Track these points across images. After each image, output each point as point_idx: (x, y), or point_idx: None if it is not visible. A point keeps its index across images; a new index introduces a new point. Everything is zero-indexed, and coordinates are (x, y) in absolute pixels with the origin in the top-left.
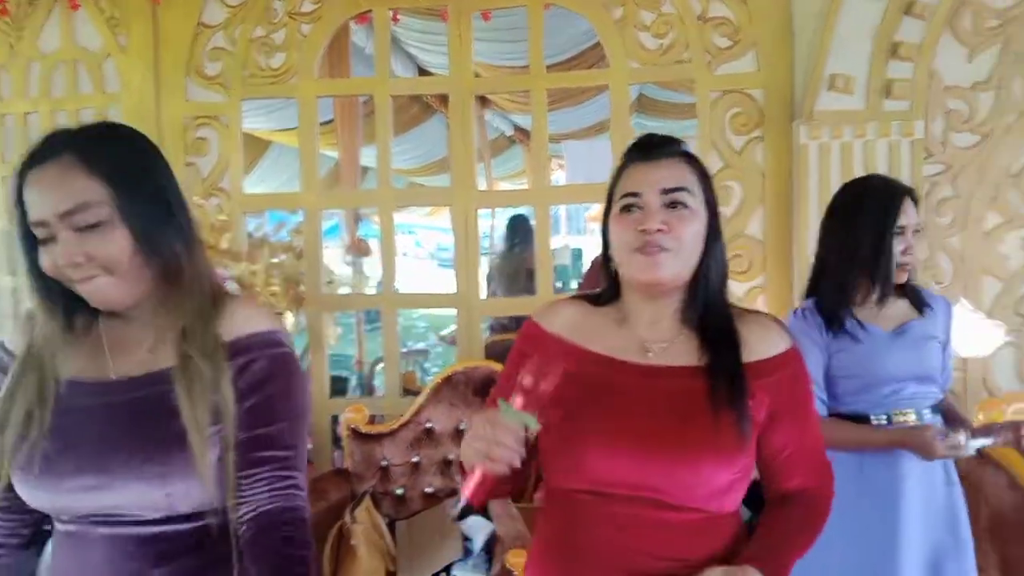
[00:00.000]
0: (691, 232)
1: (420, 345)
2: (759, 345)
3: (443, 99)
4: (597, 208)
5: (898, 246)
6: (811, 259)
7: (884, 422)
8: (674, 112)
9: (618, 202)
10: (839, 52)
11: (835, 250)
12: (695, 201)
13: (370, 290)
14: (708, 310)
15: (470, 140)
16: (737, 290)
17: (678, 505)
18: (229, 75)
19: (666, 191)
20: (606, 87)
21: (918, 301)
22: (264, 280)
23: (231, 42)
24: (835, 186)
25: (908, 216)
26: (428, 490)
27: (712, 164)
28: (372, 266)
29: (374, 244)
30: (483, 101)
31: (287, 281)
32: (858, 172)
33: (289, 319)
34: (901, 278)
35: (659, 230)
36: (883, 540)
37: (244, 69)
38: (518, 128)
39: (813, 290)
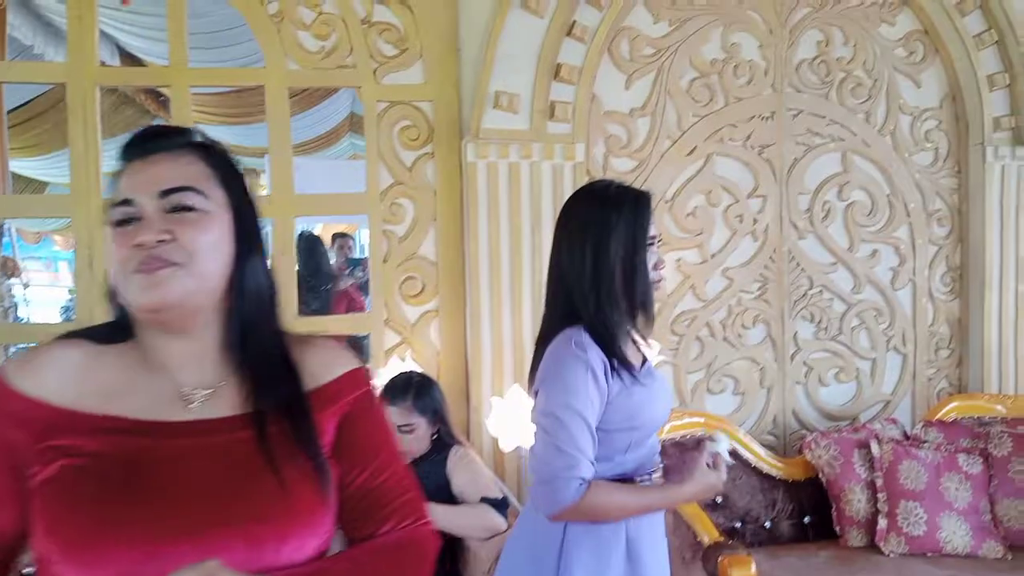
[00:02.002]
0: (205, 241)
1: None
2: (320, 370)
3: (157, 99)
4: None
5: (651, 260)
6: (487, 280)
7: (647, 482)
8: None
9: (110, 213)
10: (504, 69)
11: (590, 266)
12: (210, 203)
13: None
14: (249, 340)
15: (94, 138)
16: (410, 315)
17: None
18: None
19: (166, 192)
20: (321, 101)
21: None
22: None
23: None
24: (504, 207)
25: (653, 226)
26: None
27: (382, 180)
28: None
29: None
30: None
31: None
32: (526, 194)
33: None
34: (655, 297)
35: (160, 241)
36: None
37: None
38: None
39: (562, 318)
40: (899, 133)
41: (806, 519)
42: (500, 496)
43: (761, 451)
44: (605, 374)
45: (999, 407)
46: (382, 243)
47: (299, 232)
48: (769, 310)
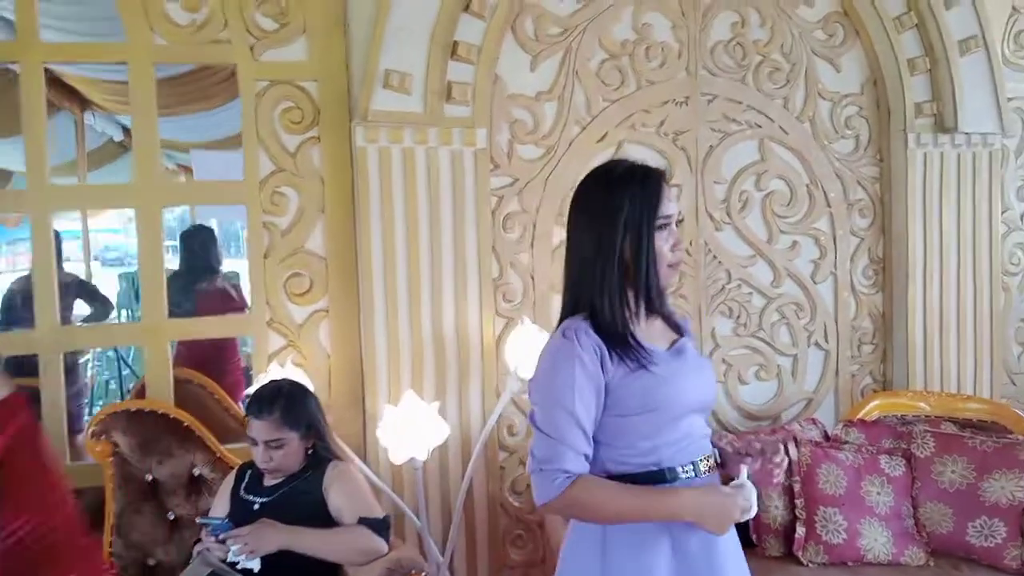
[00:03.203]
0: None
1: None
2: None
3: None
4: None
5: (665, 242)
6: (380, 277)
7: (691, 474)
8: None
9: None
10: (394, 45)
11: (592, 252)
12: None
13: None
14: None
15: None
16: (297, 315)
17: None
18: None
19: None
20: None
21: (670, 320)
22: None
23: None
24: (399, 197)
25: (671, 203)
26: None
27: (263, 167)
28: None
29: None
30: (83, 102)
31: None
32: (422, 183)
33: None
34: (672, 280)
35: None
36: None
37: None
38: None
39: (572, 306)
40: (818, 120)
41: None
42: (380, 516)
43: None
44: (602, 361)
45: (923, 404)
46: (263, 236)
47: (193, 224)
48: (686, 305)
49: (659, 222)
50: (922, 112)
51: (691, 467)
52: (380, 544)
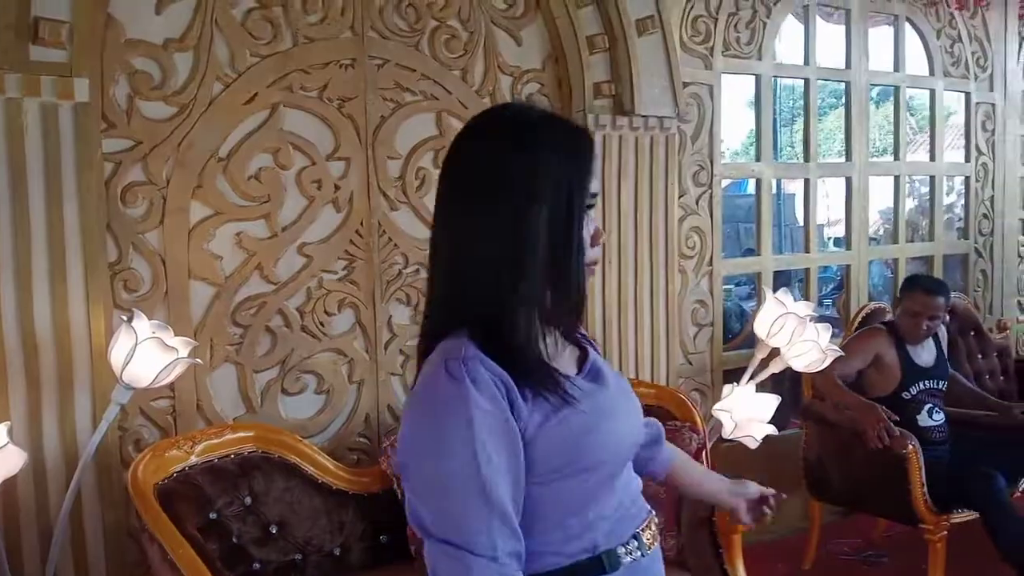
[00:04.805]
0: None
1: None
2: None
3: None
4: None
5: (588, 229)
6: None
7: (636, 554)
8: None
9: None
10: None
11: (491, 239)
12: None
13: None
14: None
15: None
16: None
17: None
18: None
19: None
20: None
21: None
22: None
23: None
24: None
25: (596, 178)
26: None
27: None
28: None
29: None
30: None
31: None
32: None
33: None
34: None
35: None
36: None
37: None
38: None
39: (443, 323)
40: (499, 95)
41: (382, 538)
42: None
43: (329, 463)
44: (511, 402)
45: None
46: None
47: None
48: (358, 292)
49: (586, 203)
50: (601, 93)
51: (634, 543)
52: None
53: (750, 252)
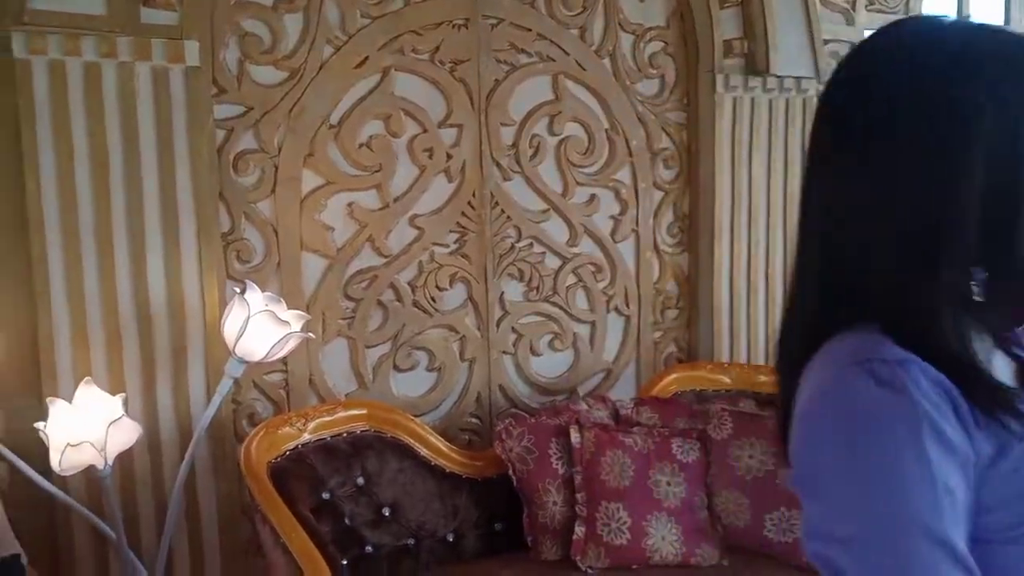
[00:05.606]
0: None
1: None
2: None
3: None
4: None
5: None
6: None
7: None
8: None
9: None
10: None
11: (906, 203)
12: None
13: None
14: None
15: None
16: None
17: None
18: None
19: None
20: None
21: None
22: None
23: None
24: (79, 126)
25: None
26: None
27: None
28: None
29: None
30: None
31: None
32: (112, 109)
33: None
34: None
35: None
36: None
37: None
38: None
39: (832, 311)
40: (619, 55)
41: (496, 526)
42: (7, 554)
43: (442, 445)
44: (963, 424)
45: (723, 378)
46: None
47: None
48: (469, 267)
49: None
50: (732, 51)
51: None
52: None
53: None
